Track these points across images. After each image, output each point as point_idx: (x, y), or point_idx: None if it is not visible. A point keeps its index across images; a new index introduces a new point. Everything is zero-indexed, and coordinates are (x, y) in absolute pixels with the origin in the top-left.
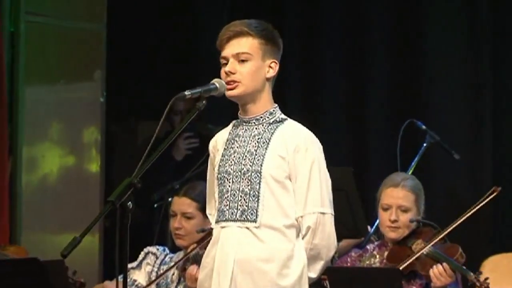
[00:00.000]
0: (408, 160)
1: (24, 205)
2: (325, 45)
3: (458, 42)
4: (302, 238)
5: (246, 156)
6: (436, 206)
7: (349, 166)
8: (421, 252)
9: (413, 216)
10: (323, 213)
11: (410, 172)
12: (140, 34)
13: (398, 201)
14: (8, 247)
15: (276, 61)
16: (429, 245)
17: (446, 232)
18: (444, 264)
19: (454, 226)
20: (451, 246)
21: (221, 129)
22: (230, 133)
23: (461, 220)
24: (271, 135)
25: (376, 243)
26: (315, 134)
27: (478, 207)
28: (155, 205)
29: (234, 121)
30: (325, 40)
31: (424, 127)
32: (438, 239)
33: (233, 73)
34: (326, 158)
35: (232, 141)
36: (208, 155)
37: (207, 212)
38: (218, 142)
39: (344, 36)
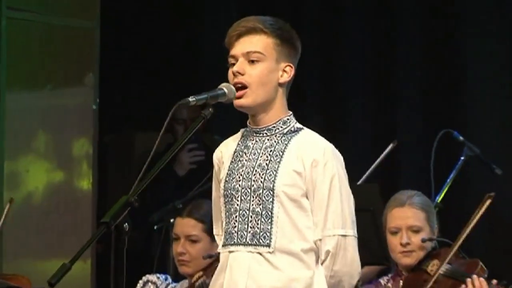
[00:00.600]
0: (443, 175)
1: (5, 226)
2: (349, 46)
3: (501, 45)
4: (321, 264)
5: (256, 171)
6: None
7: (375, 183)
8: (438, 273)
9: (425, 236)
10: (344, 236)
11: (445, 189)
12: (138, 33)
13: (407, 221)
14: (17, 277)
15: (292, 65)
16: (445, 263)
17: (457, 245)
18: (481, 279)
19: (463, 237)
20: (470, 262)
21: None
22: (238, 144)
23: (467, 231)
24: (285, 147)
25: (389, 274)
26: (336, 146)
27: (478, 216)
28: (155, 227)
29: (243, 130)
30: (348, 41)
31: (461, 138)
32: (451, 254)
33: (242, 74)
34: (348, 174)
35: (240, 153)
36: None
37: (214, 232)
38: (224, 153)
39: (371, 35)
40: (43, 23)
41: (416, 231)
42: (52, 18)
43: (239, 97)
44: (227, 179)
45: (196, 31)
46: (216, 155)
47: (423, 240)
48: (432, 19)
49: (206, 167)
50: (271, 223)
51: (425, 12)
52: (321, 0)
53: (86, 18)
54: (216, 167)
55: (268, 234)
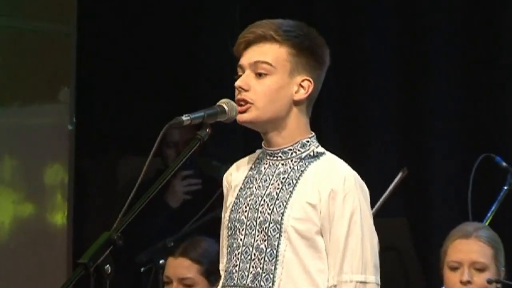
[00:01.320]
0: (484, 207)
1: None
2: (371, 56)
3: None
4: None
5: (264, 200)
6: None
7: (404, 217)
8: None
9: (491, 276)
10: (364, 283)
11: (486, 223)
12: (122, 39)
13: (471, 256)
14: None
15: (311, 79)
16: None
17: None
18: None
19: None
20: None
21: (242, 158)
22: (251, 168)
23: None
24: (300, 175)
25: None
26: (359, 174)
27: None
28: (142, 269)
29: (259, 151)
30: (371, 50)
31: (504, 164)
32: None
33: (246, 90)
34: (373, 207)
35: (251, 179)
36: (217, 199)
37: (220, 268)
38: (234, 177)
39: (398, 43)
40: (9, 27)
41: (480, 269)
42: (20, 21)
43: (242, 112)
44: (233, 208)
45: (193, 37)
46: (226, 178)
47: (489, 281)
48: (470, 32)
49: (202, 198)
50: (275, 263)
51: (461, 24)
52: (335, 4)
53: (61, 22)
54: (225, 191)
55: (271, 276)
